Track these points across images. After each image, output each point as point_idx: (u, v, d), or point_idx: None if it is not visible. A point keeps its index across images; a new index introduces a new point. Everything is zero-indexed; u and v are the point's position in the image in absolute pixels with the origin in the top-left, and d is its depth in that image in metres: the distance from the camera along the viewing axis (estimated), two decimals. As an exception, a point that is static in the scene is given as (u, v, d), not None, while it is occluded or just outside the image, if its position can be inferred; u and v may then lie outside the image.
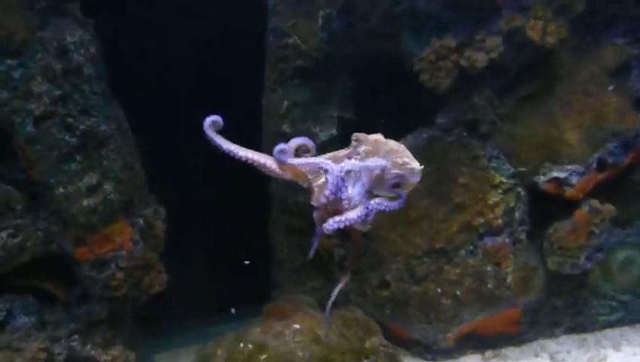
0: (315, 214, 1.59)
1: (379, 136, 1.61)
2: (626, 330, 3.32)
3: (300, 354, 2.22)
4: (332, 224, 1.49)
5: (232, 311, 2.94)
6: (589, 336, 3.30)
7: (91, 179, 2.66)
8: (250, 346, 2.32)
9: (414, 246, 3.09)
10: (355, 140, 1.59)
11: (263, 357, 2.24)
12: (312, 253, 1.68)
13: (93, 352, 2.86)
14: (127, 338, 3.11)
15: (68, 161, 2.60)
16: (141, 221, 2.96)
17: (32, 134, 2.50)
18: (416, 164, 1.54)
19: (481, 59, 2.83)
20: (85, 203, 2.65)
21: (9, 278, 2.71)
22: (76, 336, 2.84)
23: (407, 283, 3.12)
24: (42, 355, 2.67)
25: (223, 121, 1.57)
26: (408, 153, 1.56)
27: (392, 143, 1.58)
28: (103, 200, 2.70)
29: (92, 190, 2.67)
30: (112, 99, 2.96)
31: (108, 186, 2.73)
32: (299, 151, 1.74)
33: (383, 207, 1.52)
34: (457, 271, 3.06)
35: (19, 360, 2.60)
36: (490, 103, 3.04)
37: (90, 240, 2.74)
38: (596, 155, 3.02)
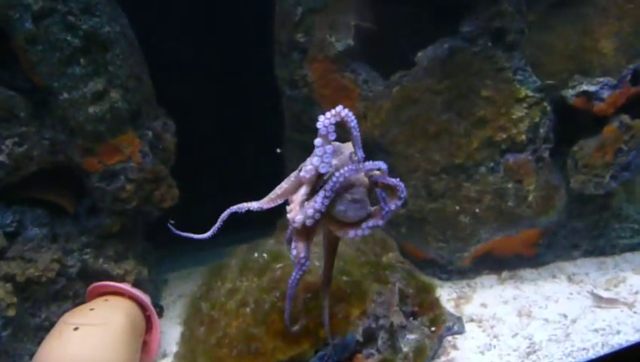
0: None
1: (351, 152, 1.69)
2: (646, 254, 3.25)
3: (317, 263, 2.17)
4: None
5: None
6: (608, 259, 3.24)
7: (97, 84, 2.55)
8: (265, 255, 2.27)
9: (433, 162, 2.98)
10: None
11: (279, 265, 2.19)
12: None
13: (105, 266, 2.84)
14: (140, 253, 3.09)
15: (71, 64, 2.48)
16: (150, 133, 2.87)
17: (32, 33, 2.36)
18: None
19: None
20: (91, 110, 2.55)
21: (18, 190, 2.66)
22: (88, 250, 2.81)
23: (424, 200, 3.03)
24: (55, 266, 2.65)
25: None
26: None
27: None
28: (109, 108, 2.60)
29: (98, 97, 2.56)
30: (117, 5, 2.80)
31: (115, 94, 2.62)
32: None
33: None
34: (477, 188, 2.96)
35: (32, 271, 2.58)
36: (519, 10, 2.83)
37: (98, 151, 2.66)
38: (632, 66, 2.82)
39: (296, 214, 1.67)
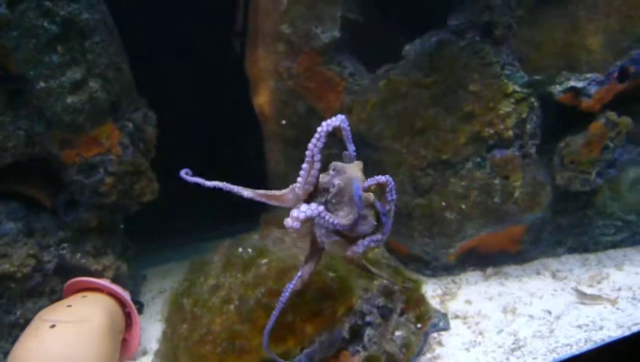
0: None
1: (356, 172, 1.70)
2: (629, 251, 3.27)
3: (302, 258, 2.12)
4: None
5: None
6: (591, 256, 3.26)
7: (75, 74, 2.46)
8: (249, 251, 2.21)
9: (419, 158, 2.95)
10: (333, 170, 1.71)
11: (264, 261, 2.13)
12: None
13: (83, 261, 2.76)
14: (119, 248, 3.01)
15: (48, 52, 2.38)
16: (130, 125, 2.79)
17: (6, 18, 2.25)
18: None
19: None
20: (70, 100, 2.46)
21: (-9, 183, 2.57)
22: (66, 245, 2.73)
23: (410, 195, 3.00)
24: (31, 261, 2.57)
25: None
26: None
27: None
28: (88, 98, 2.51)
29: (76, 86, 2.47)
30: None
31: (94, 84, 2.53)
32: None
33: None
34: (463, 183, 2.93)
35: (7, 266, 2.49)
36: (508, 4, 2.81)
37: (76, 143, 2.58)
38: (619, 63, 2.83)
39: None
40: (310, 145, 1.61)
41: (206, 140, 3.84)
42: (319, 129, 1.61)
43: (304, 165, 1.63)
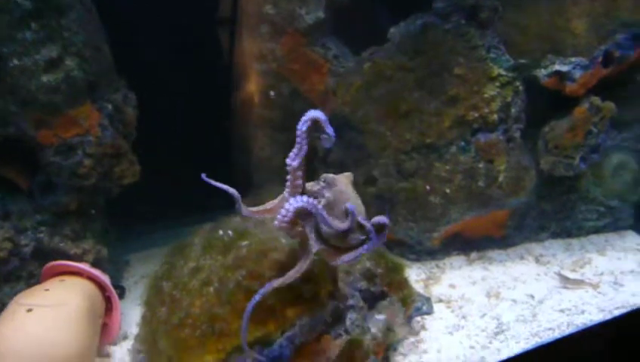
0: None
1: (346, 185, 1.72)
2: (611, 236, 3.29)
3: (284, 241, 2.09)
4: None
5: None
6: (574, 241, 3.28)
7: (50, 51, 2.39)
8: (230, 233, 2.17)
9: (403, 141, 2.93)
10: (324, 182, 1.71)
11: (245, 243, 2.10)
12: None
13: (62, 245, 2.70)
14: (99, 232, 2.96)
15: (22, 28, 2.31)
16: (109, 106, 2.72)
17: (-22, -8, 2.19)
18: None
19: None
20: (45, 79, 2.40)
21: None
22: (43, 228, 2.67)
23: (394, 179, 2.98)
24: (8, 245, 2.51)
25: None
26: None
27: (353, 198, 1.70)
28: (65, 77, 2.44)
29: (52, 64, 2.41)
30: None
31: (70, 62, 2.46)
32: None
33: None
34: (448, 167, 2.92)
35: (-19, 250, 2.43)
36: (494, -14, 2.79)
37: (53, 123, 2.51)
38: (603, 48, 2.82)
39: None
40: (294, 150, 1.61)
41: (184, 128, 3.78)
42: (298, 132, 1.61)
43: (288, 168, 1.63)
